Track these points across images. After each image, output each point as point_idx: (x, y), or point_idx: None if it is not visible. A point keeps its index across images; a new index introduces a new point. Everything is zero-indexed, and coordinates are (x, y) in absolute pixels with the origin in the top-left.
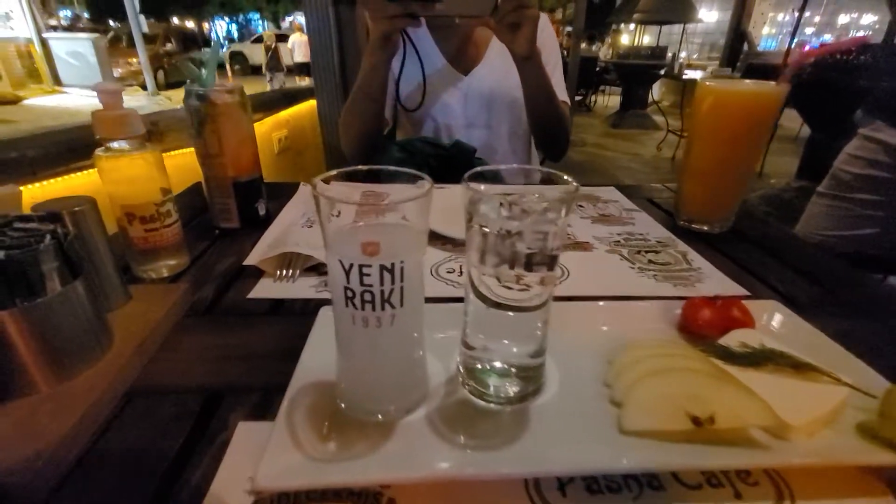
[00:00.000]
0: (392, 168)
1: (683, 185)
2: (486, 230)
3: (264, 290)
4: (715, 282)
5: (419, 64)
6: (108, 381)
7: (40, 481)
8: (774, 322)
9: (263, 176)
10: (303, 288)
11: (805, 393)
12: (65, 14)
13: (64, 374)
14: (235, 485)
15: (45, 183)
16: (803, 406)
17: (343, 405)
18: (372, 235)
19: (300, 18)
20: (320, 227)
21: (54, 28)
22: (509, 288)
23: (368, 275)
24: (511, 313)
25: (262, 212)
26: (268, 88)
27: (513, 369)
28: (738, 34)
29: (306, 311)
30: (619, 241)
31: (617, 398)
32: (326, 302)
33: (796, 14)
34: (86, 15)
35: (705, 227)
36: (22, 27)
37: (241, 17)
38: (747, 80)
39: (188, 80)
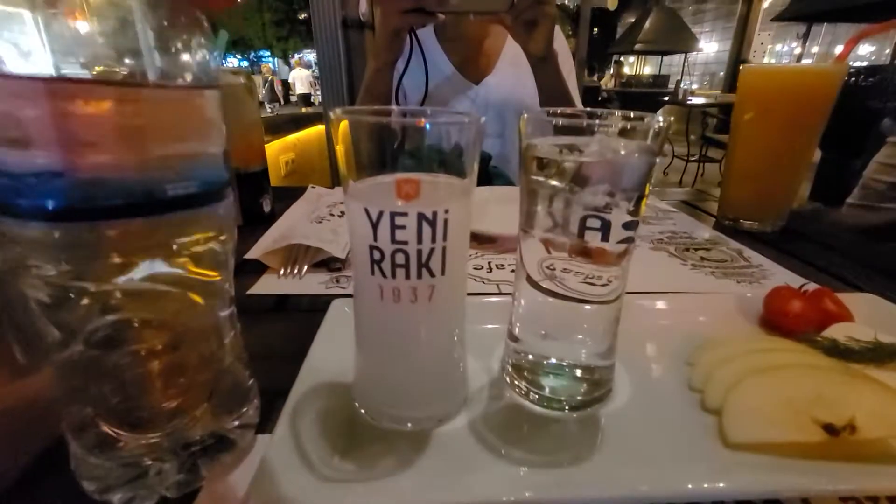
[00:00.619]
0: (429, 108)
1: (730, 182)
2: (544, 182)
3: (267, 286)
4: (783, 279)
5: (424, 67)
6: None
7: None
8: (878, 317)
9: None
10: (310, 284)
11: None
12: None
13: (17, 367)
14: None
15: None
16: None
17: (363, 411)
18: (409, 175)
19: (308, 56)
20: (338, 166)
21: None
22: (592, 284)
23: (403, 227)
24: (588, 307)
25: (266, 208)
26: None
27: (578, 370)
28: (738, 64)
29: (314, 308)
30: (662, 239)
31: (712, 404)
32: (337, 297)
33: (793, 45)
34: None
35: (756, 226)
36: (42, 64)
37: (252, 55)
38: (795, 65)
39: None
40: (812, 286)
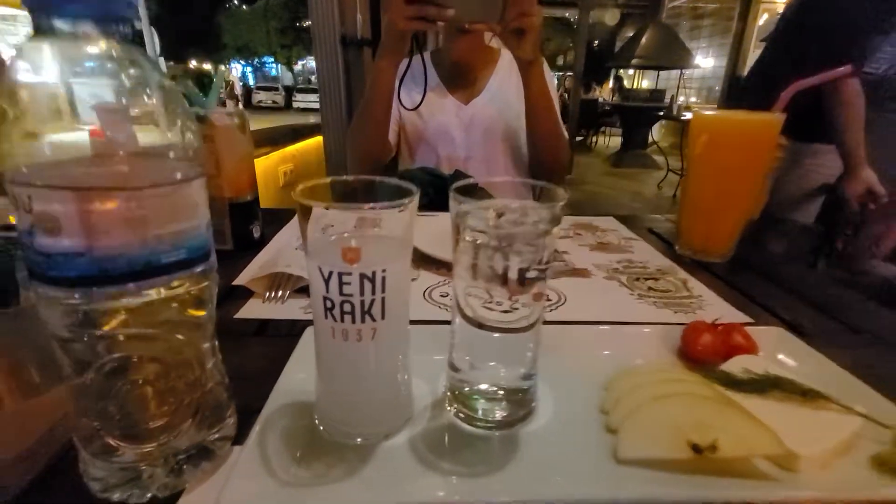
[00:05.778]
0: (377, 178)
1: (683, 216)
2: (470, 241)
3: (252, 310)
4: (717, 309)
5: (423, 80)
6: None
7: None
8: (779, 349)
9: (267, 207)
10: (292, 309)
11: (814, 422)
12: None
13: (32, 388)
14: None
15: None
16: (813, 436)
17: (322, 427)
18: (353, 242)
19: (311, 63)
20: (301, 234)
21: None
22: (490, 309)
23: (348, 283)
24: (496, 335)
25: (256, 234)
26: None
27: (501, 392)
28: (734, 80)
29: (293, 332)
30: (617, 269)
31: (613, 425)
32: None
33: None
34: None
35: (705, 256)
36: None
37: (255, 61)
38: (741, 111)
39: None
40: (735, 318)
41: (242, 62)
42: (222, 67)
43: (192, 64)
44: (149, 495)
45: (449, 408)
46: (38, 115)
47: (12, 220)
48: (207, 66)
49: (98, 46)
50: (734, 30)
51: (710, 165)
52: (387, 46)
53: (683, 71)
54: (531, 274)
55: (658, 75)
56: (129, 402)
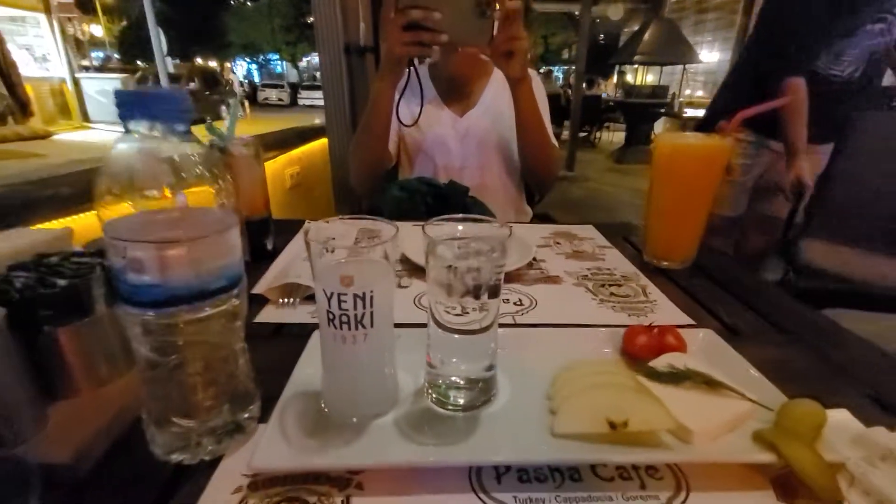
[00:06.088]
0: (369, 217)
1: (647, 225)
2: (434, 264)
3: (268, 315)
4: (666, 312)
5: (420, 96)
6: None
7: (79, 463)
8: (704, 348)
9: (275, 210)
10: (302, 314)
11: (712, 405)
12: (97, 55)
13: (102, 380)
14: (236, 469)
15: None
16: (707, 415)
17: (326, 409)
18: (348, 270)
19: (316, 59)
20: (310, 263)
21: (87, 69)
22: (448, 313)
23: (345, 301)
24: (456, 335)
25: (269, 247)
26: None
27: (465, 382)
28: None
29: (303, 333)
30: (587, 276)
31: (553, 408)
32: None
33: None
34: (116, 56)
35: (666, 264)
36: (57, 68)
37: (260, 58)
38: (698, 134)
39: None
40: (679, 320)
41: (247, 59)
42: (235, 101)
43: (198, 61)
44: (198, 458)
45: (426, 395)
46: (129, 188)
47: (79, 247)
48: (213, 64)
49: (165, 139)
50: (738, 24)
51: (670, 182)
52: (386, 70)
53: (686, 67)
54: (483, 289)
55: (661, 70)
56: (185, 389)
